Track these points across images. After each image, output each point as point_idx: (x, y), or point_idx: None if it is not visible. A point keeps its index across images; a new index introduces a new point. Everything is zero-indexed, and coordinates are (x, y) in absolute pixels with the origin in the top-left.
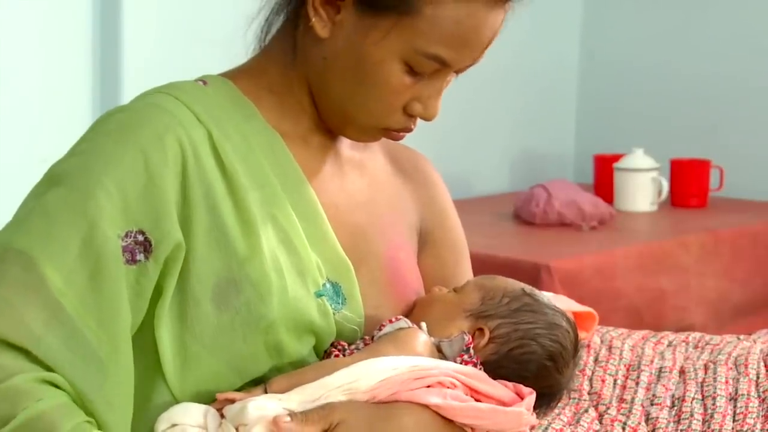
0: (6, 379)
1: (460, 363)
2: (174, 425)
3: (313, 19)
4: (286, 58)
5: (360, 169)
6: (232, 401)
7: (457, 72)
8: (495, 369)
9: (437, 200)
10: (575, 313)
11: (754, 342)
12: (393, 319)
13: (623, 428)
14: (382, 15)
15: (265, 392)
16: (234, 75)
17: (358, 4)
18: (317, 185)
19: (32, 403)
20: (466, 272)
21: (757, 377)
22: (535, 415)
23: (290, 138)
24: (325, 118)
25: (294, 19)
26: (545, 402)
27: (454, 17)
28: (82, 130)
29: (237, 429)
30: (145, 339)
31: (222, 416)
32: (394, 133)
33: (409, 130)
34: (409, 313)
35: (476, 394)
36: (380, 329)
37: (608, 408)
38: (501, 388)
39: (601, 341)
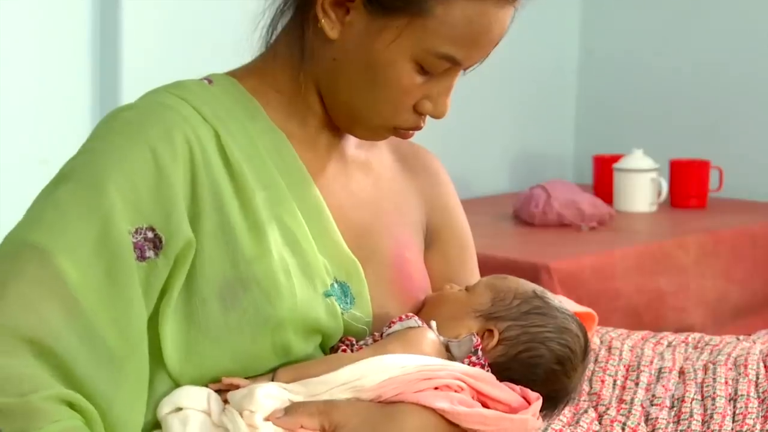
0: (27, 393)
1: (468, 364)
2: (178, 409)
3: (322, 20)
4: (294, 59)
5: (365, 168)
6: (237, 387)
7: (465, 69)
8: (503, 371)
9: (443, 197)
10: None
11: (754, 342)
12: (403, 317)
13: (623, 429)
14: (393, 16)
15: (272, 381)
16: (240, 74)
17: (368, 6)
18: (322, 185)
19: (47, 425)
20: (472, 270)
21: (757, 378)
22: (540, 419)
23: (296, 138)
24: (333, 117)
25: (301, 20)
26: (552, 405)
27: (465, 17)
28: (81, 130)
29: (241, 414)
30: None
31: (224, 401)
32: (403, 131)
33: (419, 128)
34: (418, 311)
35: (483, 397)
36: (390, 326)
37: (608, 408)
38: (508, 392)
39: (601, 342)
